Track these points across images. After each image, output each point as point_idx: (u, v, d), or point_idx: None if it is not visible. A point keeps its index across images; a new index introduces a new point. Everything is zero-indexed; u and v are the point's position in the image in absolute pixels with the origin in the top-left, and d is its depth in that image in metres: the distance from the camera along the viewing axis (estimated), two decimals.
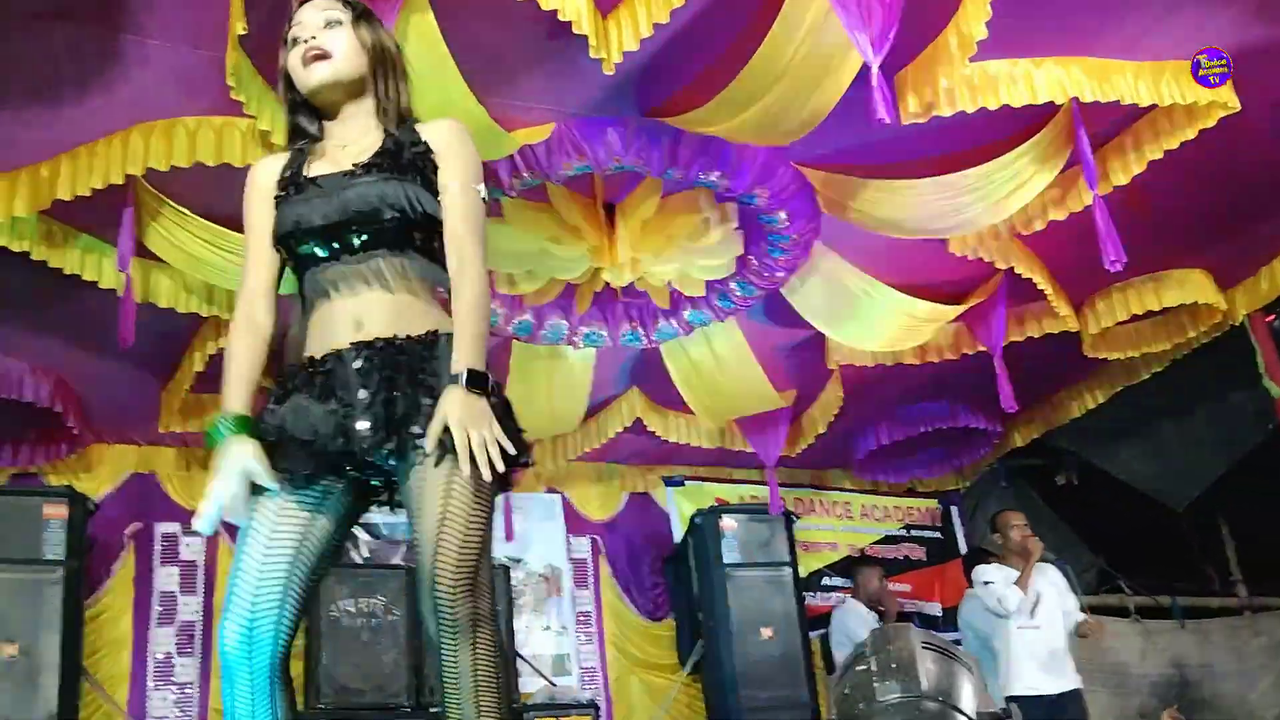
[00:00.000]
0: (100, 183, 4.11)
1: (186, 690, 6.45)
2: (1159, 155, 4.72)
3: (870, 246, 5.40)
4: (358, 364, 2.13)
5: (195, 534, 6.54)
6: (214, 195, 4.34)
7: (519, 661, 6.77)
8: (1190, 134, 4.60)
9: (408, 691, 6.23)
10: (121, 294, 4.56)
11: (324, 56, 2.25)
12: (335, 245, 2.20)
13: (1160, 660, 8.34)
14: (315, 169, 2.27)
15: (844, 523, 8.46)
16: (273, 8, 3.60)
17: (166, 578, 6.61)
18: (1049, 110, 4.54)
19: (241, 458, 2.09)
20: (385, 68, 2.34)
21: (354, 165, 2.23)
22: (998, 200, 4.87)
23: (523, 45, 3.98)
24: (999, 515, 6.29)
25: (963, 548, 8.65)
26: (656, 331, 6.00)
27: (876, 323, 5.91)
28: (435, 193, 2.24)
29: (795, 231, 5.17)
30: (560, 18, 3.62)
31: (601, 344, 6.03)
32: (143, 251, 4.61)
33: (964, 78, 4.18)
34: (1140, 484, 8.72)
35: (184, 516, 6.67)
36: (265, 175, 2.32)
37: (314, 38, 2.25)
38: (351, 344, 2.15)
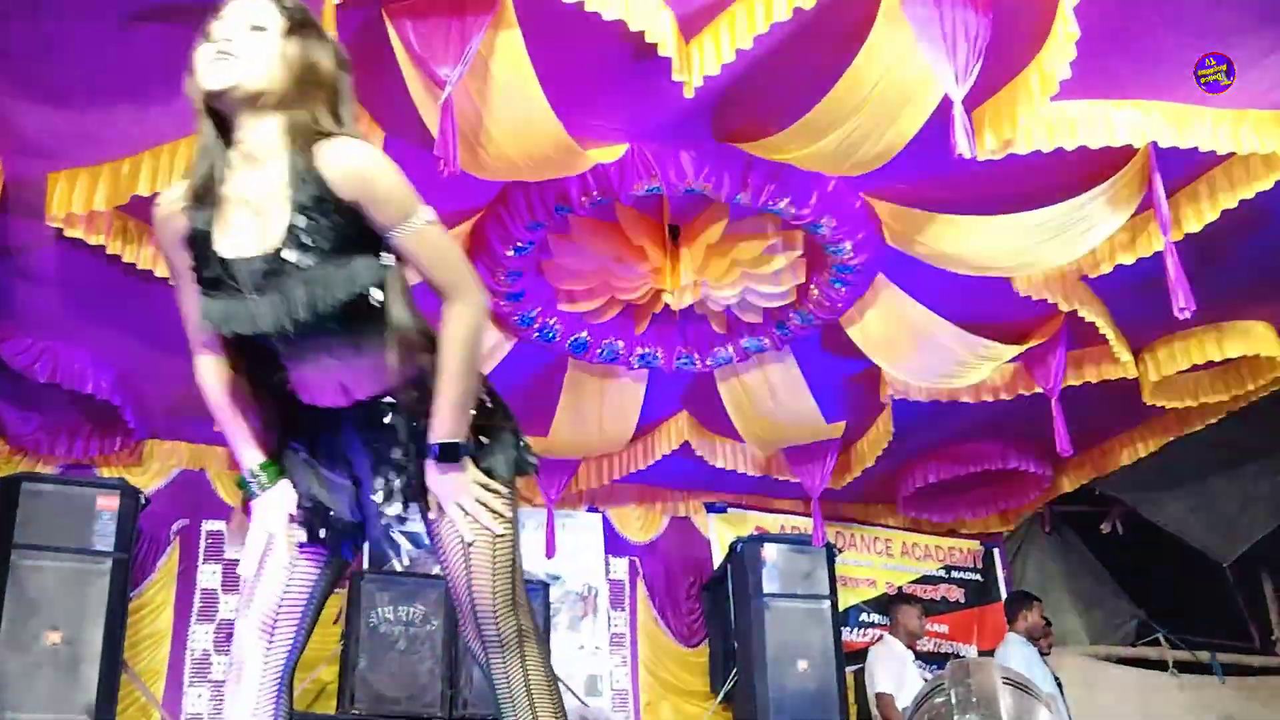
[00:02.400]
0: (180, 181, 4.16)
1: (221, 689, 6.48)
2: (1234, 204, 4.69)
3: (933, 282, 5.40)
4: (358, 429, 2.15)
5: (235, 541, 6.68)
6: None
7: None
8: (1267, 184, 4.57)
9: (442, 702, 6.23)
10: None
11: (229, 56, 1.98)
12: (279, 339, 2.04)
13: (1207, 718, 8.22)
14: (223, 240, 2.01)
15: (884, 559, 8.41)
16: (364, 22, 3.69)
17: (209, 575, 6.65)
18: (1124, 153, 4.52)
19: (277, 518, 2.17)
20: (303, 87, 2.03)
21: (270, 250, 1.97)
22: (1067, 241, 4.86)
23: (605, 65, 4.01)
24: None
25: (1003, 591, 8.56)
26: (711, 356, 6.02)
27: (934, 359, 5.90)
28: (370, 246, 2.01)
29: (859, 262, 5.18)
30: (647, 39, 3.66)
31: (656, 365, 6.05)
32: None
33: (1043, 117, 4.18)
34: (1186, 536, 8.63)
35: (230, 515, 6.73)
36: (173, 223, 2.08)
37: (229, 39, 1.99)
38: (350, 405, 2.14)
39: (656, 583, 7.75)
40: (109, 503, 5.67)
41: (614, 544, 7.76)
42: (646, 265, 5.24)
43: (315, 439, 2.20)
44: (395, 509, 2.15)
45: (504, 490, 2.14)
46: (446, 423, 2.05)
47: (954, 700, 2.04)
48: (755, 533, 7.71)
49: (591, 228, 5.10)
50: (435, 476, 2.08)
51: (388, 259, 2.04)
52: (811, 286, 5.46)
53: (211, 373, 2.20)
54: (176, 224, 2.08)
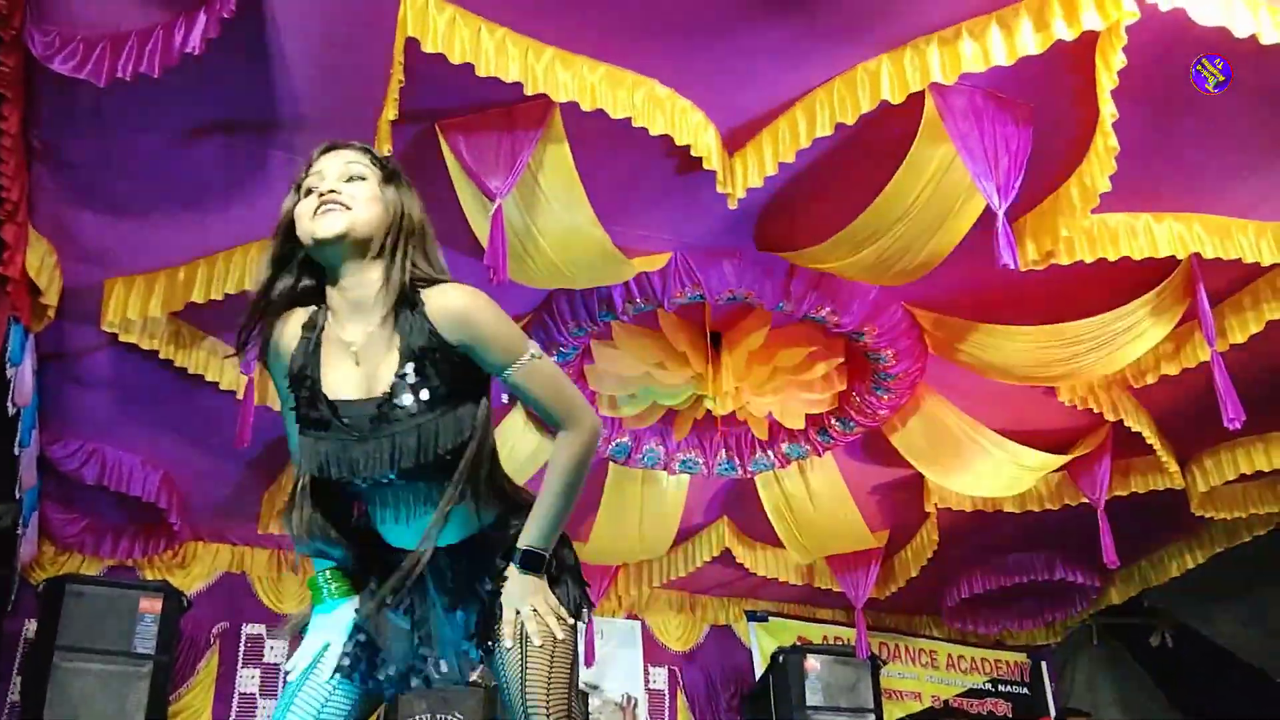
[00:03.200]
0: (234, 288, 4.26)
1: None
2: (1278, 315, 4.67)
3: (976, 390, 5.39)
4: (434, 573, 2.09)
5: (279, 637, 6.66)
6: None
7: None
8: None
9: None
10: (241, 396, 4.68)
11: (340, 205, 2.00)
12: (373, 485, 2.04)
13: None
14: (330, 378, 2.03)
15: (929, 672, 8.24)
16: (416, 135, 3.78)
17: (248, 679, 6.62)
18: (1167, 264, 4.53)
19: (336, 633, 2.11)
20: (403, 234, 2.06)
21: (380, 395, 1.99)
22: (1111, 351, 4.84)
23: (651, 177, 4.09)
24: None
25: (1051, 706, 8.35)
26: (753, 462, 6.00)
27: (979, 468, 5.85)
28: (474, 393, 2.04)
29: (901, 370, 5.18)
30: (692, 153, 3.74)
31: (697, 471, 6.04)
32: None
33: (1084, 228, 4.20)
34: (1239, 650, 8.42)
35: (271, 619, 6.73)
36: (283, 352, 2.07)
37: (333, 190, 2.01)
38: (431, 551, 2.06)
39: (697, 693, 7.64)
40: (152, 605, 5.67)
41: (653, 652, 7.65)
42: (688, 371, 5.26)
43: (399, 593, 2.09)
44: (469, 646, 2.08)
45: (566, 618, 2.10)
46: (537, 534, 2.04)
47: None
48: (798, 643, 7.58)
49: (634, 334, 5.14)
50: (515, 578, 2.04)
51: (485, 407, 2.06)
52: (853, 393, 5.45)
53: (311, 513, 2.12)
54: (285, 355, 2.07)
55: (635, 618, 7.68)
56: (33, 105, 3.65)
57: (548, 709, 2.06)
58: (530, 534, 2.04)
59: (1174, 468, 5.92)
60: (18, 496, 5.17)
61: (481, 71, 3.37)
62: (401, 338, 2.01)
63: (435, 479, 2.02)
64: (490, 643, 2.05)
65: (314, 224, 2.00)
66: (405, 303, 2.02)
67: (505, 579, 2.06)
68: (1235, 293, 4.82)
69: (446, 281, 2.07)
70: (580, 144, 3.79)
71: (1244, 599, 8.13)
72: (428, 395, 1.99)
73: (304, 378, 2.04)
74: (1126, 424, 5.50)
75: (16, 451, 4.70)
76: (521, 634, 2.03)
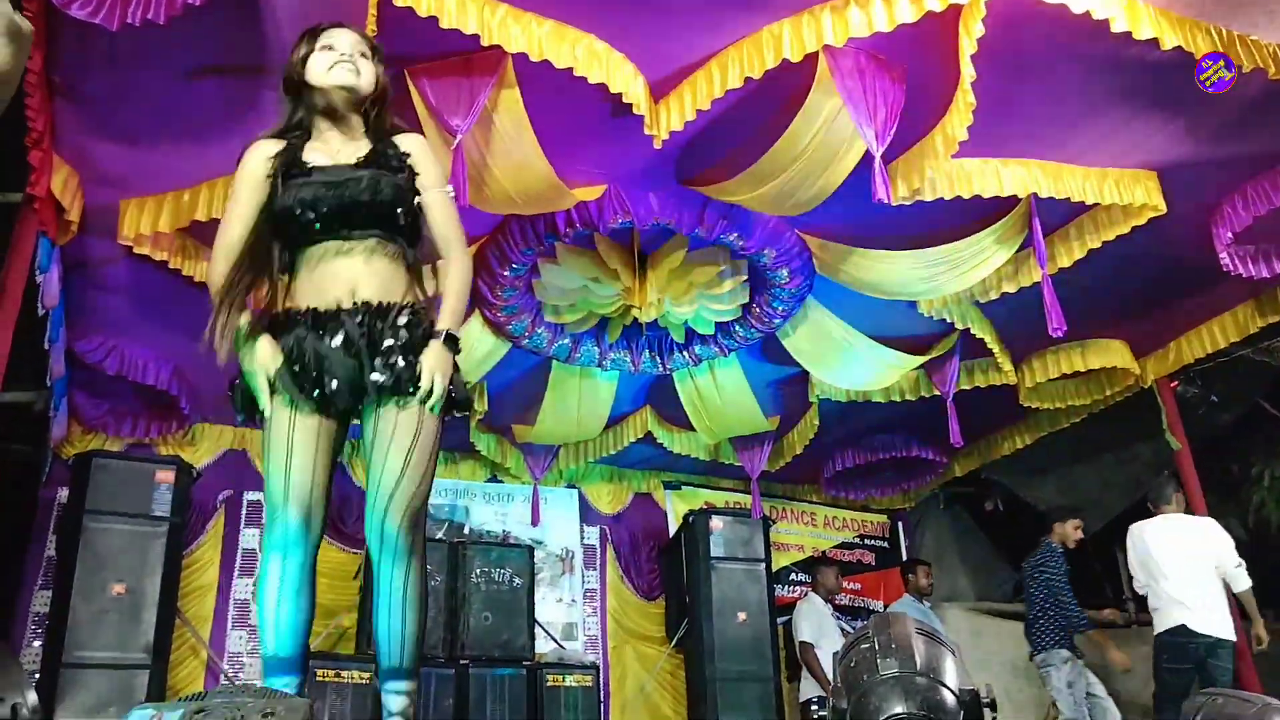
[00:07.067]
0: None
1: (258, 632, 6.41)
2: (1098, 245, 4.75)
3: (853, 303, 5.43)
4: (359, 320, 2.21)
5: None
6: None
7: (535, 626, 6.71)
8: (1124, 229, 4.65)
9: (443, 645, 6.19)
10: None
11: (354, 70, 2.36)
12: (336, 223, 2.25)
13: None
14: (313, 159, 2.32)
15: (809, 529, 8.42)
16: (388, 79, 3.66)
17: (249, 537, 6.58)
18: (1011, 201, 4.58)
19: (269, 360, 2.24)
20: (383, 99, 2.45)
21: (355, 160, 2.31)
22: (963, 273, 4.90)
23: (589, 120, 4.01)
24: None
25: (904, 556, 8.61)
26: (671, 361, 6.02)
27: (853, 366, 5.93)
28: (414, 191, 2.33)
29: (793, 287, 5.21)
30: (624, 100, 3.67)
31: (625, 368, 6.05)
32: None
33: (945, 170, 4.22)
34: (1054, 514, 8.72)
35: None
36: (258, 156, 2.34)
37: (350, 56, 2.36)
38: (353, 304, 2.23)
39: (623, 547, 7.73)
40: (166, 476, 5.60)
41: (588, 515, 7.72)
42: (619, 286, 5.24)
43: (321, 328, 2.23)
44: (386, 377, 2.18)
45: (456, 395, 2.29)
46: (451, 321, 2.28)
47: (876, 646, 2.05)
48: (705, 507, 7.68)
49: (574, 253, 5.09)
50: (436, 350, 2.22)
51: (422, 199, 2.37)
52: (754, 305, 5.47)
53: (227, 259, 2.29)
54: (261, 158, 2.33)
55: (574, 487, 7.73)
56: (53, 47, 3.47)
57: (405, 516, 2.16)
58: (445, 320, 2.27)
59: (1009, 367, 6.05)
60: (49, 384, 5.04)
61: (445, 24, 3.26)
62: (374, 139, 2.39)
63: (382, 232, 2.28)
64: (387, 380, 2.18)
65: (331, 74, 2.35)
66: (383, 131, 2.42)
67: (410, 341, 2.22)
68: (1064, 225, 4.88)
69: None
70: (529, 89, 3.71)
71: (1060, 473, 8.42)
72: (386, 169, 2.31)
73: (286, 156, 2.31)
74: (973, 331, 5.59)
75: (47, 346, 4.56)
76: (410, 430, 2.18)
